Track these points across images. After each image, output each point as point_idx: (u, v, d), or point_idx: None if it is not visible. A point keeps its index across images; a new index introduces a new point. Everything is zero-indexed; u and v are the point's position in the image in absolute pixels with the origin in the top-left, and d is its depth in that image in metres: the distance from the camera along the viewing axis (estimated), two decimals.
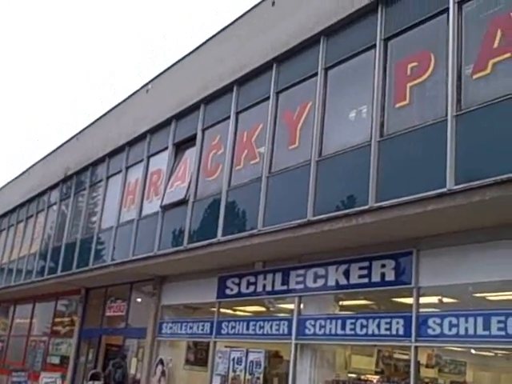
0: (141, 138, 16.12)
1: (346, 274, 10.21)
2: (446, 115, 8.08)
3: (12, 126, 72.40)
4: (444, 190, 7.80)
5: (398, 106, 9.02)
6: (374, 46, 9.55)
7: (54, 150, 23.03)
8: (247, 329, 12.14)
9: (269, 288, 11.87)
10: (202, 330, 13.49)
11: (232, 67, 12.76)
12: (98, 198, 18.16)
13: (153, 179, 15.15)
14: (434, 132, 8.24)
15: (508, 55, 7.58)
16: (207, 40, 14.30)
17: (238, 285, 12.65)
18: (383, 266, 9.59)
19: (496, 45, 7.76)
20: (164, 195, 14.14)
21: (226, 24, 13.61)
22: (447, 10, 8.47)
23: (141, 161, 15.90)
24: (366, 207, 8.85)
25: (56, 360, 20.49)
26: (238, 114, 12.55)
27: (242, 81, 12.53)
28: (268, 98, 11.64)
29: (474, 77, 7.99)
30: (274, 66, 11.66)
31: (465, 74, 8.11)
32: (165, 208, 13.99)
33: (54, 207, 21.26)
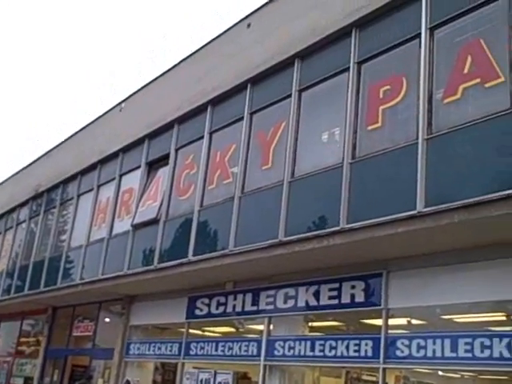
0: (113, 156, 16.03)
1: (316, 295, 10.19)
2: (417, 138, 8.18)
3: (12, 126, 71.50)
4: (414, 212, 7.87)
5: (370, 128, 9.12)
6: (348, 69, 9.67)
7: (25, 167, 22.77)
8: (216, 350, 12.02)
9: (239, 308, 11.80)
10: (171, 350, 13.31)
11: (206, 87, 12.80)
12: (68, 216, 17.95)
13: (124, 198, 15.04)
14: (405, 155, 8.34)
15: (478, 81, 7.74)
16: (182, 60, 14.37)
17: (208, 305, 12.55)
18: (353, 287, 9.61)
19: (466, 70, 7.92)
20: (135, 214, 14.04)
21: (202, 44, 13.71)
22: (419, 35, 8.64)
23: (113, 179, 15.79)
24: (338, 228, 8.89)
25: (20, 381, 19.97)
26: (211, 133, 12.57)
27: (216, 101, 12.58)
28: (242, 118, 11.70)
29: (445, 101, 8.13)
30: (249, 86, 11.73)
31: (436, 98, 8.25)
32: (136, 227, 13.88)
33: (23, 225, 20.94)
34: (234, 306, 11.90)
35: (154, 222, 13.26)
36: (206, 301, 12.61)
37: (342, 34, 9.94)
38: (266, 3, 11.96)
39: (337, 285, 9.87)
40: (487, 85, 7.63)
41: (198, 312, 12.79)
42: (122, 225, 14.63)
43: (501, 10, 7.72)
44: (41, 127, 70.18)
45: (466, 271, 8.25)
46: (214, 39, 13.40)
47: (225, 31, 13.09)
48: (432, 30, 8.53)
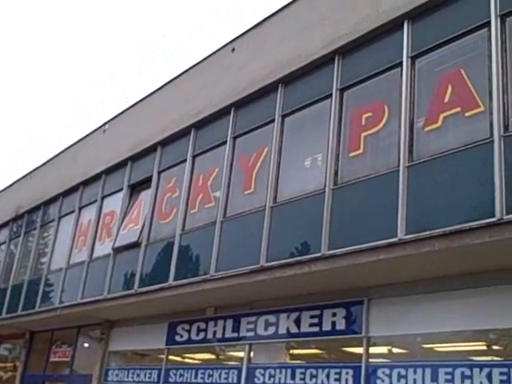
0: (95, 178, 15.92)
1: (297, 321, 10.08)
2: (398, 166, 8.21)
3: (12, 126, 70.93)
4: (395, 239, 7.86)
5: (352, 154, 9.13)
6: (330, 95, 9.71)
7: (6, 188, 22.54)
8: (196, 377, 11.82)
9: (219, 335, 11.64)
10: (150, 377, 13.08)
11: (190, 111, 12.79)
12: (48, 238, 17.74)
13: (106, 220, 14.90)
14: (387, 182, 8.35)
15: (458, 110, 7.80)
16: (167, 82, 14.37)
17: (189, 331, 12.37)
18: (334, 314, 9.52)
19: (447, 99, 7.98)
20: (116, 237, 13.90)
21: (186, 68, 13.73)
22: (401, 64, 8.70)
23: (94, 201, 15.66)
24: (319, 255, 8.84)
25: None
26: (194, 157, 12.53)
27: (200, 124, 12.57)
28: (225, 142, 11.68)
29: (426, 129, 8.17)
30: (232, 111, 11.74)
31: (417, 126, 8.29)
32: (117, 250, 13.73)
33: (3, 247, 20.66)
34: (215, 333, 11.75)
35: (135, 245, 13.13)
36: (187, 327, 12.44)
37: (326, 61, 10.00)
38: (251, 28, 12.02)
39: (318, 312, 9.77)
40: (467, 114, 7.69)
41: (178, 338, 12.61)
42: (103, 248, 14.47)
43: (481, 41, 7.81)
44: (41, 127, 69.82)
45: (447, 299, 8.19)
46: (198, 63, 13.42)
47: (210, 55, 13.13)
48: (413, 58, 8.60)
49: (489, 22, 7.71)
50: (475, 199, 7.31)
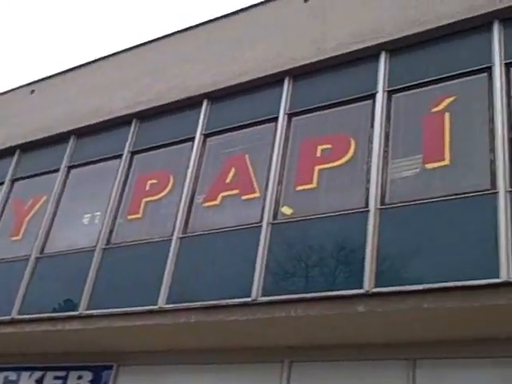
0: None
1: (40, 381, 9.37)
2: (172, 235, 8.33)
3: None
4: (155, 307, 7.83)
5: (130, 217, 9.13)
6: (121, 156, 9.71)
7: None
8: None
9: None
10: None
11: None
12: None
13: None
14: (158, 249, 8.40)
15: (236, 192, 8.20)
16: None
17: None
18: (80, 377, 9.06)
19: (228, 180, 8.37)
20: None
21: None
22: (193, 139, 9.02)
23: None
24: (76, 313, 8.53)
25: None
26: None
27: None
28: (2, 183, 11.05)
29: (204, 205, 8.45)
30: (17, 152, 11.25)
31: (197, 200, 8.53)
32: None
33: None
34: None
35: None
36: None
37: (123, 122, 10.07)
38: (55, 74, 11.83)
39: (64, 373, 9.23)
40: (244, 197, 8.11)
41: None
42: None
43: (267, 133, 8.38)
44: None
45: (201, 372, 8.15)
46: None
47: (9, 90, 12.61)
48: (206, 136, 8.99)
49: (277, 118, 8.34)
50: (236, 278, 7.57)
